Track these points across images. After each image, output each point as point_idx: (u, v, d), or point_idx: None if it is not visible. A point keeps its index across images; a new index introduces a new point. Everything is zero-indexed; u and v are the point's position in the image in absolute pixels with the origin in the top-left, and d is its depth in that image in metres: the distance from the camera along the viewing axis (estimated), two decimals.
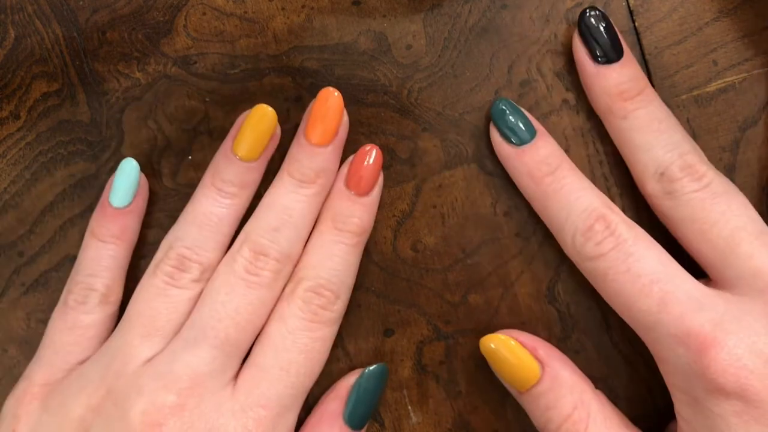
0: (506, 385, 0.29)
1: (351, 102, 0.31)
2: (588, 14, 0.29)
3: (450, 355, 0.31)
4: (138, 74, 0.31)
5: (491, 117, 0.30)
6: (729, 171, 0.30)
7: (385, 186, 0.31)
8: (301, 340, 0.28)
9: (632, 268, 0.27)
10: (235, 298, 0.28)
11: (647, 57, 0.31)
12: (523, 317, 0.31)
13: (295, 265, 0.29)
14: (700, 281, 0.27)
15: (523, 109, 0.30)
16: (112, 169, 0.31)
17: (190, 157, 0.31)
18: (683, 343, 0.26)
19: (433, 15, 0.31)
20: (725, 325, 0.26)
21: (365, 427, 0.30)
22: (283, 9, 0.31)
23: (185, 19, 0.31)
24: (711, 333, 0.25)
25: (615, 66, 0.29)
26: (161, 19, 0.31)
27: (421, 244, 0.31)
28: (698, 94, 0.31)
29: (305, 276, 0.29)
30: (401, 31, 0.31)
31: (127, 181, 0.30)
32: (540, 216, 0.30)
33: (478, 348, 0.30)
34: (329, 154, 0.29)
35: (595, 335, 0.30)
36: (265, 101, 0.31)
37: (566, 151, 0.30)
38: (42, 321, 0.31)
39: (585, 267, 0.28)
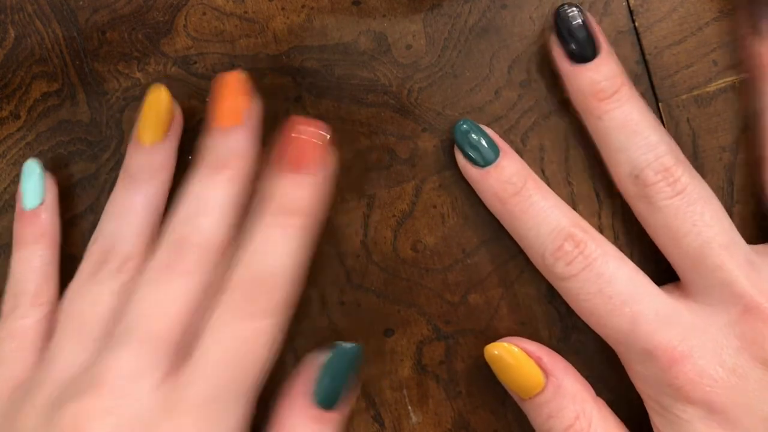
0: (509, 391, 0.29)
1: (351, 102, 0.31)
2: (563, 10, 0.29)
3: (450, 355, 0.31)
4: (138, 74, 0.31)
5: (454, 139, 0.30)
6: (729, 171, 0.30)
7: (385, 186, 0.31)
8: (236, 333, 0.27)
9: (604, 289, 0.27)
10: (158, 293, 0.27)
11: (647, 57, 0.31)
12: (523, 317, 0.31)
13: (224, 253, 0.28)
14: (669, 286, 0.29)
15: (486, 128, 0.30)
16: (113, 169, 0.31)
17: (190, 157, 0.31)
18: (653, 357, 0.27)
19: (433, 15, 0.31)
20: (691, 339, 0.27)
21: (341, 407, 0.28)
22: (283, 9, 0.31)
23: (185, 19, 0.31)
24: (678, 347, 0.26)
25: (590, 65, 0.28)
26: (161, 19, 0.31)
27: (421, 244, 0.31)
28: (698, 94, 0.31)
29: (240, 262, 0.27)
30: (401, 31, 0.31)
31: (32, 181, 0.30)
32: (512, 236, 0.30)
33: (478, 348, 0.30)
34: (240, 135, 0.28)
35: (595, 335, 0.30)
36: (265, 101, 0.31)
37: (566, 151, 0.30)
38: None
39: (558, 285, 0.29)
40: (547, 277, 0.29)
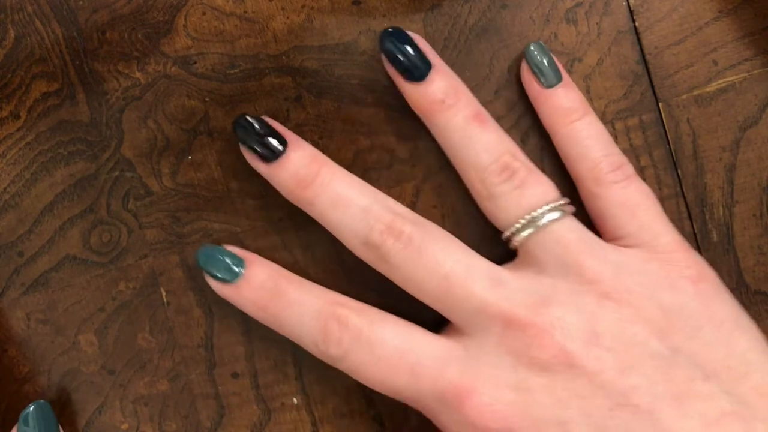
0: None
1: (351, 102, 0.31)
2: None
3: None
4: (138, 74, 0.31)
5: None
6: (729, 171, 0.31)
7: (385, 186, 0.31)
8: None
9: (377, 353, 0.27)
10: None
11: (647, 57, 0.31)
12: None
13: None
14: (446, 327, 0.29)
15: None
16: (113, 169, 0.31)
17: (190, 157, 0.31)
18: (445, 403, 0.27)
19: (433, 15, 0.31)
20: (470, 372, 0.27)
21: None
22: (283, 9, 0.31)
23: (185, 19, 0.31)
24: (461, 384, 0.27)
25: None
26: (161, 19, 0.31)
27: None
28: (698, 94, 0.31)
29: None
30: None
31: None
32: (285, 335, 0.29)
33: None
34: None
35: None
36: (265, 101, 0.31)
37: None
38: (42, 321, 0.31)
39: (339, 368, 0.28)
40: (329, 363, 0.29)
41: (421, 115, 0.29)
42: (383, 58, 0.29)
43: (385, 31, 0.29)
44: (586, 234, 0.28)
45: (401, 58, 0.29)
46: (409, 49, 0.29)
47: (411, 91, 0.29)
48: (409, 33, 0.29)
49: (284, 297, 0.29)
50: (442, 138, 0.29)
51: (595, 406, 0.26)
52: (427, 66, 0.29)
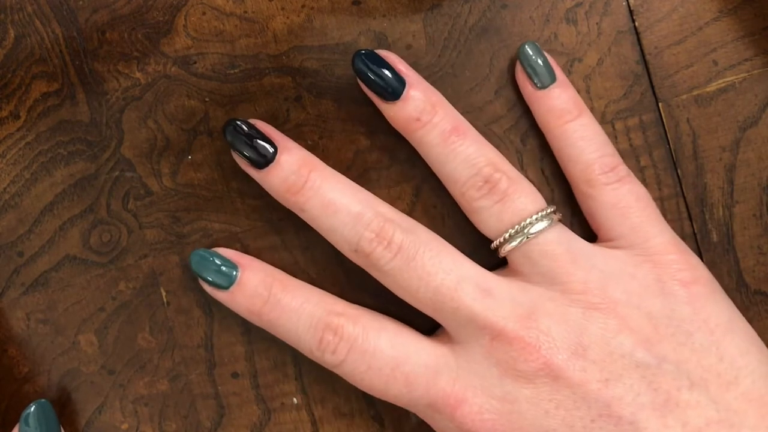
0: None
1: (351, 102, 0.31)
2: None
3: None
4: (138, 74, 0.31)
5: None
6: (729, 171, 0.31)
7: (385, 186, 0.31)
8: None
9: (372, 364, 0.28)
10: None
11: (647, 57, 0.31)
12: None
13: None
14: (439, 331, 0.29)
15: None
16: (113, 169, 0.31)
17: (190, 157, 0.31)
18: (438, 410, 0.28)
19: (433, 15, 0.31)
20: (461, 381, 0.28)
21: None
22: (283, 9, 0.31)
23: (185, 19, 0.31)
24: (452, 393, 0.28)
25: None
26: (161, 18, 0.31)
27: None
28: (698, 94, 0.31)
29: None
30: (401, 31, 0.31)
31: None
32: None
33: None
34: None
35: None
36: (265, 101, 0.31)
37: None
38: (42, 321, 0.31)
39: (336, 372, 0.29)
40: (326, 367, 0.29)
41: (401, 133, 0.30)
42: (358, 80, 0.29)
43: (357, 53, 0.29)
44: (573, 243, 0.28)
45: (374, 80, 0.29)
46: (381, 70, 0.29)
47: (387, 110, 0.29)
48: (381, 52, 0.29)
49: (278, 304, 0.29)
50: (423, 154, 0.29)
51: (578, 417, 0.26)
52: (402, 84, 0.29)
